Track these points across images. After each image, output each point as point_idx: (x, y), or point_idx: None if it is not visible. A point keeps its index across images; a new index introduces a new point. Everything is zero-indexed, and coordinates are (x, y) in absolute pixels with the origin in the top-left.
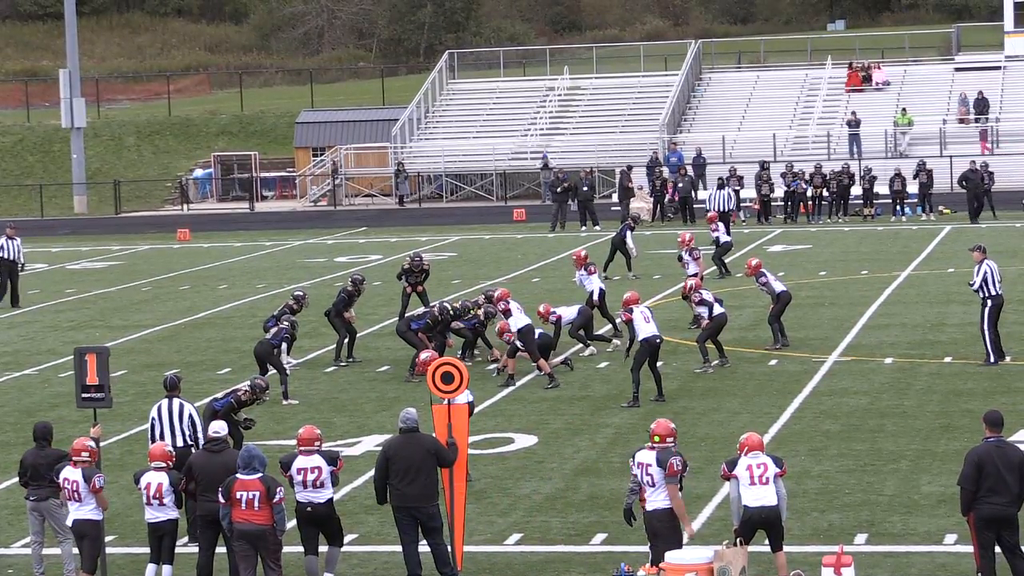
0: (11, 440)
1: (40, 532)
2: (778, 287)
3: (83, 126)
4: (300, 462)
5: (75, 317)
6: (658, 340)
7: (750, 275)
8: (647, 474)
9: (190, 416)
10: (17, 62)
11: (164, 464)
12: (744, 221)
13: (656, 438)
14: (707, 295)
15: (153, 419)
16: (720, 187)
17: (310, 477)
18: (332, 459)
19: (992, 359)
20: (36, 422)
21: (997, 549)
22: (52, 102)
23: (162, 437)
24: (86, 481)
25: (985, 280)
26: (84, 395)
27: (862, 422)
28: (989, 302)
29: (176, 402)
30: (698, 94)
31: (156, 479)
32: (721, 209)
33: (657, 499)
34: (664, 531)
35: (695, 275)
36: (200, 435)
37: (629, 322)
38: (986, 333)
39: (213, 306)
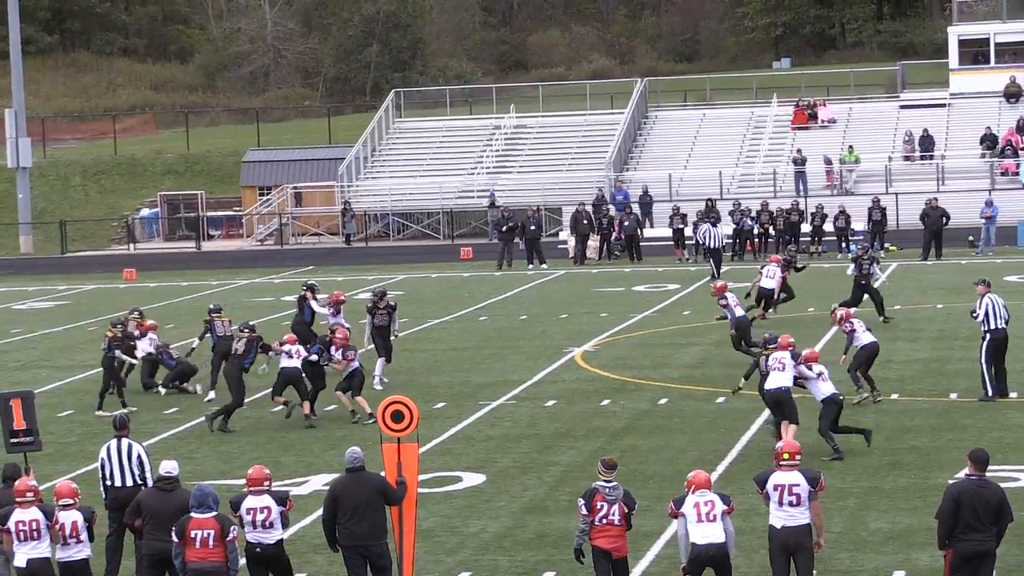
0: None
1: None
2: (739, 312)
3: (29, 166)
4: (250, 502)
5: (21, 357)
6: None
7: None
8: (790, 494)
9: (138, 456)
10: None
11: (72, 501)
12: (689, 259)
13: (786, 455)
14: (858, 324)
15: (103, 459)
16: (705, 221)
17: (259, 517)
18: (282, 499)
19: (990, 394)
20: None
21: None
22: None
23: (111, 477)
24: (48, 517)
25: (987, 314)
26: (13, 440)
27: (809, 460)
28: (988, 335)
29: (125, 442)
30: (644, 132)
31: (70, 518)
32: (712, 246)
33: (803, 516)
34: (809, 544)
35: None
36: (148, 475)
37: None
38: (984, 367)
39: None
